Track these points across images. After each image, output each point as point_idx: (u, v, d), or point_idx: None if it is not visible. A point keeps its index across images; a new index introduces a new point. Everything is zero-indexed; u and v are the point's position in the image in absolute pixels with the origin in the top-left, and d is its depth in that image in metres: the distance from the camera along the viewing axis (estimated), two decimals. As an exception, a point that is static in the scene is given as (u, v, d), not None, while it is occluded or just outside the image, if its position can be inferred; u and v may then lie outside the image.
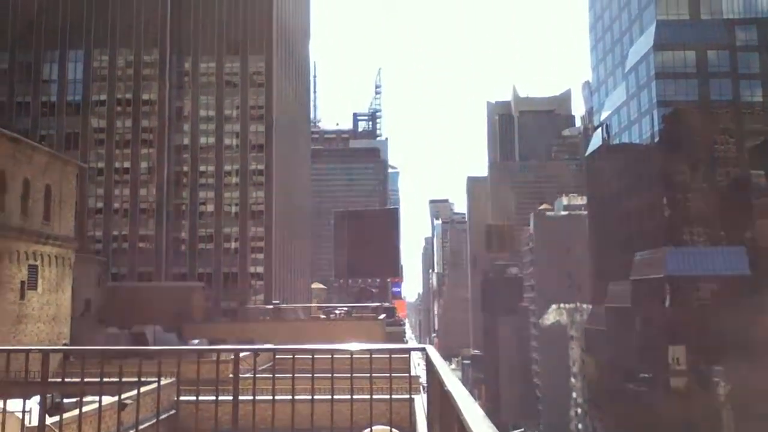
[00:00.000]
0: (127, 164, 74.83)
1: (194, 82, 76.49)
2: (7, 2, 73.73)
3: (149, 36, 75.11)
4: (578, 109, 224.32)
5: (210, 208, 75.14)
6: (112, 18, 74.29)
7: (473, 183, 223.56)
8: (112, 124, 75.08)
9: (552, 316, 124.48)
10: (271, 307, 65.17)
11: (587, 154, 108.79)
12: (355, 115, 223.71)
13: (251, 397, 5.97)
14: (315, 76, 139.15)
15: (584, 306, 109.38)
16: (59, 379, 15.03)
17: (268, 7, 77.52)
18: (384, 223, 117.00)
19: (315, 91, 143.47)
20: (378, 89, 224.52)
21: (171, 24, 75.24)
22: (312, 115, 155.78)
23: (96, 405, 8.09)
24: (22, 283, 33.28)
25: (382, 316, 64.09)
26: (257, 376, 10.30)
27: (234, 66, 76.53)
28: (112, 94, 74.97)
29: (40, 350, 5.74)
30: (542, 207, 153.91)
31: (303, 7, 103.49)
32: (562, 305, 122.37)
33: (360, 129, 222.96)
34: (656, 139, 75.97)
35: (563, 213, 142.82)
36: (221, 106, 76.18)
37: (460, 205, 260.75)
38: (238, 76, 76.45)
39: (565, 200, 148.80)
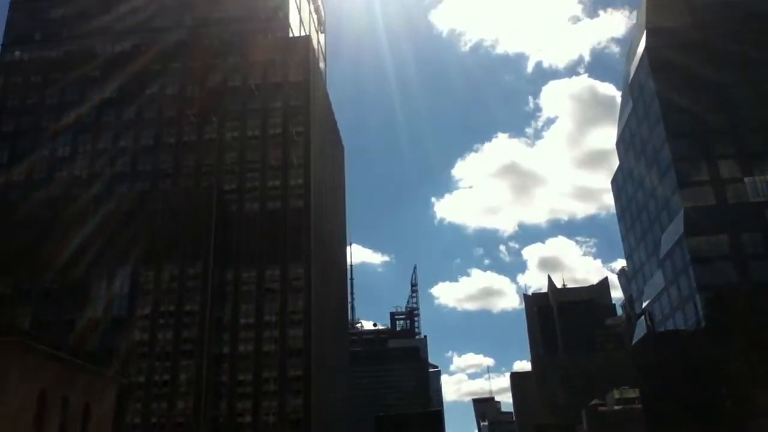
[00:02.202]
0: (167, 377, 74.53)
1: (236, 291, 78.51)
2: (56, 224, 78.51)
3: (194, 250, 78.67)
4: (616, 294, 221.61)
5: (248, 419, 73.09)
6: (159, 234, 78.54)
7: (518, 379, 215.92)
8: (154, 337, 76.13)
9: None
10: None
11: (634, 343, 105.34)
12: (392, 314, 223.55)
13: None
14: (352, 279, 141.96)
15: None
16: None
17: (307, 220, 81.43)
18: (427, 427, 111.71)
19: (352, 293, 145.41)
20: (414, 287, 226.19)
21: (215, 237, 79.07)
22: (350, 317, 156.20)
23: None
24: None
25: None
26: None
27: (274, 273, 78.82)
28: (156, 308, 76.95)
29: None
30: (593, 402, 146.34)
31: (340, 217, 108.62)
32: None
33: (398, 328, 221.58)
34: (702, 324, 73.69)
35: (616, 407, 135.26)
36: (261, 312, 77.30)
37: (504, 395, 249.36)
38: (278, 283, 78.41)
39: (617, 393, 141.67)
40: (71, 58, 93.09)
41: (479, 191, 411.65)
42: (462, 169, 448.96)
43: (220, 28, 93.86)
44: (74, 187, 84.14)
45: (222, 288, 78.38)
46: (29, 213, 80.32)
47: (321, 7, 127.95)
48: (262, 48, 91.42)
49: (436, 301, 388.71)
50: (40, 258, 76.68)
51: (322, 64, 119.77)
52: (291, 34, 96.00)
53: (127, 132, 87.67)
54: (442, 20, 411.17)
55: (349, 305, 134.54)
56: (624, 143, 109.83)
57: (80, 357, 40.13)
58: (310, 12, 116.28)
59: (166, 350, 75.75)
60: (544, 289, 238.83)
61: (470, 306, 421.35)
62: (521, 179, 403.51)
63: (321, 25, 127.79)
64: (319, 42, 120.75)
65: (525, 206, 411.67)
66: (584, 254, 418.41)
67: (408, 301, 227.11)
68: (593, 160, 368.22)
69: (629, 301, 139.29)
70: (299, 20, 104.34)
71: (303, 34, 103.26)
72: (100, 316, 76.60)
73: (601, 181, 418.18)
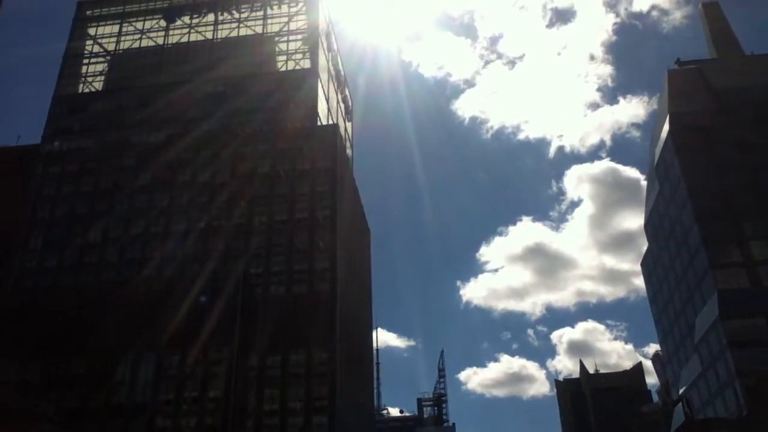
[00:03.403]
0: (190, 465, 72.84)
1: (260, 376, 77.64)
2: (84, 310, 79.13)
3: (220, 334, 78.45)
4: (650, 380, 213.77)
5: None
6: (185, 321, 78.72)
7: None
8: (177, 424, 74.97)
9: None
10: None
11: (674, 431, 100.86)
12: (419, 400, 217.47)
13: None
14: (378, 363, 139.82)
15: None
16: None
17: (332, 304, 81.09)
18: None
19: (378, 378, 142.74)
20: (441, 372, 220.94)
21: (241, 322, 78.93)
22: (376, 403, 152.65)
23: None
24: None
25: None
26: None
27: (299, 359, 78.02)
28: (179, 394, 76.20)
29: None
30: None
31: (366, 301, 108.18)
32: None
33: (425, 415, 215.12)
34: (744, 413, 70.59)
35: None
36: (285, 399, 76.03)
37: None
38: (303, 368, 77.45)
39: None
40: (107, 148, 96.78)
41: (505, 274, 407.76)
42: (487, 252, 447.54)
43: (250, 117, 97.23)
44: (104, 272, 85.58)
45: (246, 373, 77.61)
46: (59, 299, 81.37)
47: (348, 97, 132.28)
48: (290, 136, 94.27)
49: (464, 387, 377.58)
50: (68, 344, 77.02)
51: (348, 151, 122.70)
52: (319, 122, 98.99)
53: (158, 218, 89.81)
54: (464, 109, 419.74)
55: (375, 391, 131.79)
56: (652, 225, 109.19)
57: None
58: (338, 101, 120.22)
59: (189, 438, 74.39)
60: (575, 375, 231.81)
61: (499, 392, 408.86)
62: (547, 262, 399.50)
63: (348, 114, 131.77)
64: (346, 129, 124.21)
65: (552, 289, 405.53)
66: (615, 338, 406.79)
67: (435, 387, 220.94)
68: (619, 242, 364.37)
69: (665, 387, 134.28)
70: (327, 109, 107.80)
71: (331, 122, 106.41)
72: (123, 402, 75.96)
73: (629, 263, 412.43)
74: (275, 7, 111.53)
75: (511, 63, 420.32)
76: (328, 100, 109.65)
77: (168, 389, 76.39)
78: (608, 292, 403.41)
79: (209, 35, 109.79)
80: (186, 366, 77.54)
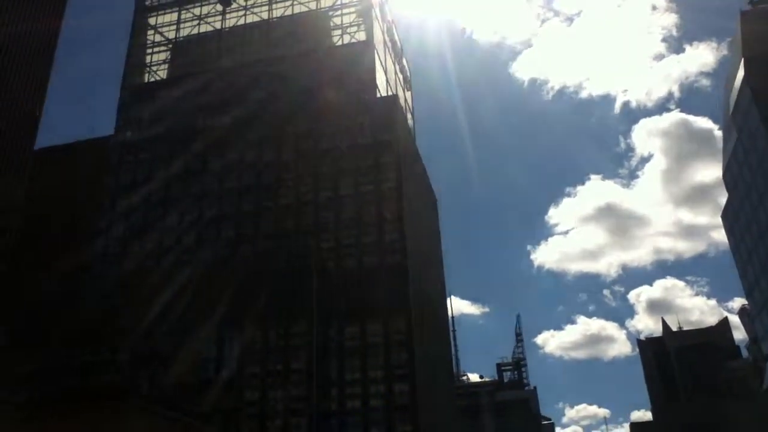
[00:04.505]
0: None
1: (340, 347, 79.24)
2: (165, 287, 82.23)
3: (297, 308, 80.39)
4: (738, 335, 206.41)
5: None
6: (265, 296, 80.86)
7: (639, 429, 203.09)
8: (264, 395, 77.64)
9: None
10: None
11: (766, 387, 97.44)
12: (498, 365, 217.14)
13: None
14: (454, 330, 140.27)
15: None
16: None
17: (404, 274, 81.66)
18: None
19: (456, 346, 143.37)
20: (519, 337, 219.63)
21: (317, 296, 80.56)
22: (455, 370, 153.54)
23: None
24: None
25: None
26: None
27: (376, 328, 79.12)
28: (264, 366, 78.74)
29: None
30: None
31: (437, 269, 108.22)
32: None
33: (505, 380, 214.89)
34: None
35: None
36: (366, 368, 77.42)
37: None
38: (380, 338, 78.55)
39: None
40: (175, 135, 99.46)
41: (576, 236, 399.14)
42: (556, 214, 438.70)
43: (310, 95, 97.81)
44: (183, 254, 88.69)
45: (326, 344, 79.32)
46: (141, 280, 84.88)
47: (406, 67, 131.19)
48: (351, 110, 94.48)
49: (541, 351, 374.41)
50: (153, 322, 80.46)
51: (410, 121, 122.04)
52: (378, 95, 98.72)
53: (229, 199, 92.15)
54: (522, 71, 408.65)
55: (453, 358, 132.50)
56: (731, 175, 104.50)
57: (196, 419, 41.36)
58: (395, 72, 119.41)
59: (276, 409, 76.96)
60: (657, 334, 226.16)
61: (579, 354, 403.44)
62: (620, 221, 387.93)
63: (407, 83, 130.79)
64: (405, 100, 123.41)
65: (626, 249, 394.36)
66: (696, 294, 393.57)
67: (513, 352, 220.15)
68: (695, 196, 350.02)
69: (754, 342, 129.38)
70: (385, 80, 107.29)
71: (389, 93, 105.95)
72: (212, 377, 79.08)
73: (707, 216, 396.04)
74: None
75: (569, 20, 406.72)
76: (386, 72, 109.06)
77: (253, 362, 79.05)
78: (686, 247, 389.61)
79: (264, 15, 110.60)
80: (269, 340, 79.99)
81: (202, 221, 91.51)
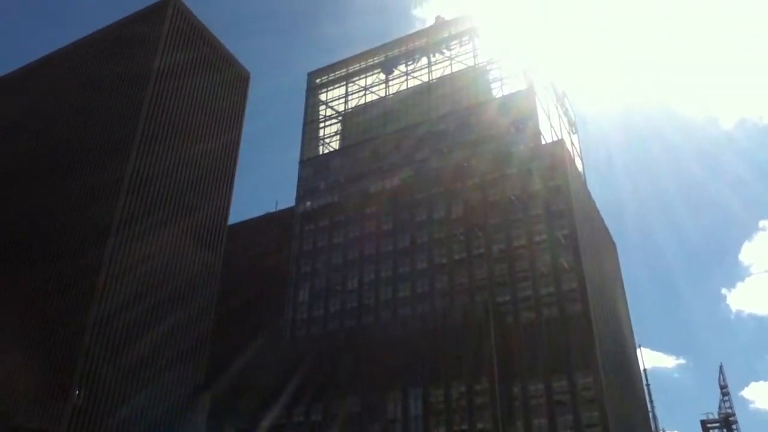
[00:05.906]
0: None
1: (525, 405, 76.36)
2: (350, 351, 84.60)
3: (477, 366, 78.96)
4: None
5: None
6: (445, 354, 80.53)
7: None
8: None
9: None
10: None
11: None
12: (702, 422, 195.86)
13: None
14: (648, 384, 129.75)
15: None
16: None
17: (588, 325, 77.65)
18: None
19: (651, 401, 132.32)
20: (724, 390, 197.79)
21: (498, 351, 78.78)
22: (653, 427, 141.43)
23: None
24: None
25: None
26: None
27: (562, 385, 75.42)
28: (449, 427, 77.69)
29: None
30: None
31: (623, 319, 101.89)
32: None
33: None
34: None
35: None
36: (555, 427, 73.71)
37: None
38: (567, 395, 74.68)
39: None
40: (350, 200, 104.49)
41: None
42: (751, 251, 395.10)
43: (475, 149, 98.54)
44: (364, 315, 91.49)
45: (510, 403, 76.81)
46: (328, 343, 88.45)
47: (569, 110, 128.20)
48: (516, 159, 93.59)
49: (752, 405, 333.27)
50: (343, 384, 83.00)
51: (579, 165, 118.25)
52: (543, 141, 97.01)
53: (404, 259, 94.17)
54: (692, 108, 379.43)
55: (650, 414, 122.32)
56: None
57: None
58: (559, 116, 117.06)
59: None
60: None
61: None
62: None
63: (572, 126, 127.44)
64: (572, 143, 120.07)
65: None
66: None
67: (720, 407, 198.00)
68: None
69: None
70: (549, 125, 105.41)
71: (555, 138, 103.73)
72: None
73: None
74: (483, 37, 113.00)
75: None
76: (549, 117, 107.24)
77: (438, 423, 78.36)
78: None
79: (425, 78, 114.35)
80: (451, 399, 79.09)
81: (379, 281, 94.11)
